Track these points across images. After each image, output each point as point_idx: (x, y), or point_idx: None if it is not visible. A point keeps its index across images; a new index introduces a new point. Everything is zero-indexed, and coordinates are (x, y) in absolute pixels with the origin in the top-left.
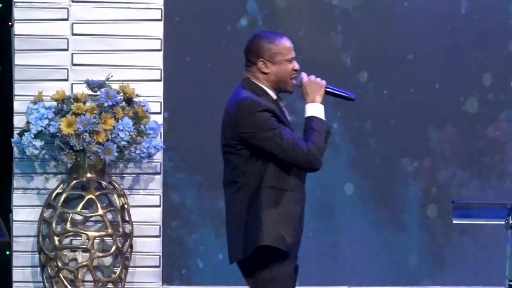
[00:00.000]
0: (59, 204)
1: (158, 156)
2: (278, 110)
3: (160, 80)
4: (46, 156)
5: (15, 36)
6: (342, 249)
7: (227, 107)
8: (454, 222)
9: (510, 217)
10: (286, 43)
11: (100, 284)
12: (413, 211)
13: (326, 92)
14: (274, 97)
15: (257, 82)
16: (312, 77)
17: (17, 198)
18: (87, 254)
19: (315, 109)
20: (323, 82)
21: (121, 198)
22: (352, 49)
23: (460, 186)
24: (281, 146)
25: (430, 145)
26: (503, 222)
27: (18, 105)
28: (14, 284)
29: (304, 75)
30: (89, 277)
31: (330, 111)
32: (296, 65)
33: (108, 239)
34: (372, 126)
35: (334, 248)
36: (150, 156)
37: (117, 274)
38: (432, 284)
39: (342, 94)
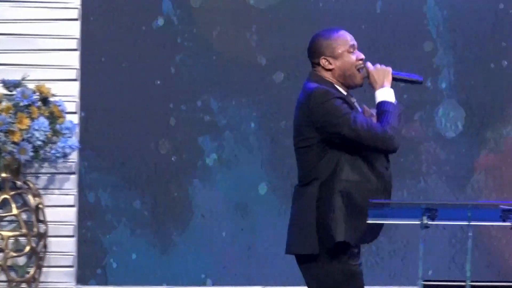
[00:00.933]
0: None
1: (74, 156)
2: (350, 102)
3: (76, 80)
4: None
5: None
6: (257, 249)
7: (298, 102)
8: (369, 222)
9: (424, 217)
10: (343, 34)
11: (14, 284)
12: None
13: (393, 79)
14: (344, 93)
15: (325, 77)
16: (377, 65)
17: None
18: (1, 254)
19: (385, 93)
20: (389, 68)
21: (36, 198)
22: (267, 49)
23: None
24: (356, 130)
25: None
26: (418, 222)
27: None
28: None
29: (369, 64)
30: (2, 277)
31: (246, 110)
32: (360, 55)
33: (22, 239)
34: (288, 126)
35: (249, 248)
36: (65, 155)
37: (31, 274)
38: None
39: (409, 78)
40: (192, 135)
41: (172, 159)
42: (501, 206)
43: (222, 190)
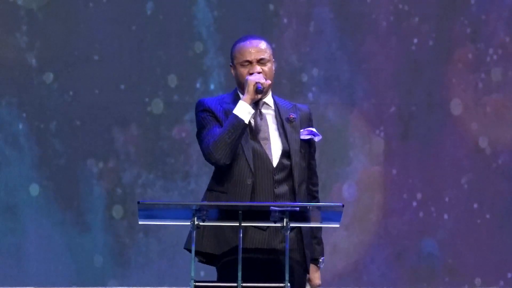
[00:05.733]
0: None
1: None
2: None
3: None
4: None
5: None
6: (27, 250)
7: None
8: (140, 223)
9: (195, 217)
10: (245, 45)
11: None
12: (98, 212)
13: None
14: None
15: (236, 85)
16: (250, 76)
17: None
18: None
19: (238, 106)
20: (251, 79)
21: None
22: (37, 50)
23: (145, 187)
24: (199, 144)
25: (115, 146)
26: (189, 223)
27: None
28: None
29: (248, 77)
30: None
31: (15, 111)
32: (254, 70)
33: None
34: (57, 126)
35: (19, 249)
36: None
37: None
38: (118, 285)
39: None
40: None
41: None
42: (272, 207)
43: None
